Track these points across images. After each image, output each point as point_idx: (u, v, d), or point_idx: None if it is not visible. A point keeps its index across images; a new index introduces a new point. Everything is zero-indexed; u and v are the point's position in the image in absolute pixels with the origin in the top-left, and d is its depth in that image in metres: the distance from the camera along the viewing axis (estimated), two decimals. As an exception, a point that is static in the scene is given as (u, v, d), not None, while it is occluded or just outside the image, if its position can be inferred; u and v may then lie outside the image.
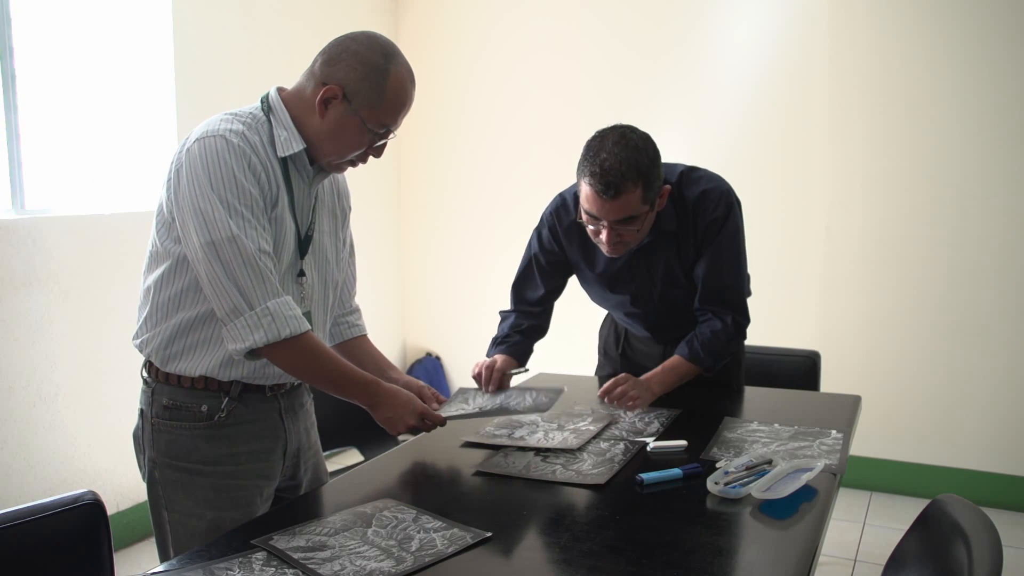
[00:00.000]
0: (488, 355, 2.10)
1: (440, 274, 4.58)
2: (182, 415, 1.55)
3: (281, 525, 1.37)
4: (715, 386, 2.16)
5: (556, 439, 1.78)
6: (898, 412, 3.57)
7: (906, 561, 1.40)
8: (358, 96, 1.50)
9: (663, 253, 2.03)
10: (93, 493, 1.47)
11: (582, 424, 1.89)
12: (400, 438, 1.73)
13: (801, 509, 1.43)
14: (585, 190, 1.84)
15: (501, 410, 1.89)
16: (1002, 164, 3.35)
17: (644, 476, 1.55)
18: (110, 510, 2.41)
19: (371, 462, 1.79)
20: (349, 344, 1.85)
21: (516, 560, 1.30)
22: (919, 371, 3.55)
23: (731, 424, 1.89)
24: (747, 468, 1.55)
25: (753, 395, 2.22)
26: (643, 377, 1.97)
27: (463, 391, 2.00)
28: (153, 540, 1.61)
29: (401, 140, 2.80)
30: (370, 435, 2.14)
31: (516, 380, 2.06)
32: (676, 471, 1.57)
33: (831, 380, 2.99)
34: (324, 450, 1.83)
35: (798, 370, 2.56)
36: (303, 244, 1.59)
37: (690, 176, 2.01)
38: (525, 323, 2.16)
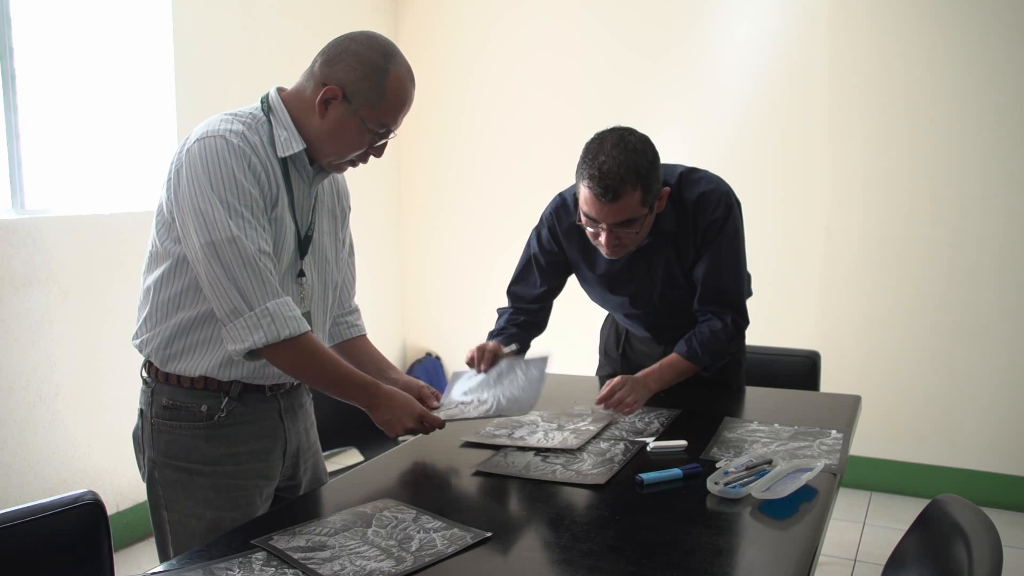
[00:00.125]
0: None
1: (440, 274, 4.58)
2: (182, 415, 1.55)
3: (281, 525, 1.37)
4: (715, 386, 2.16)
5: (556, 439, 1.78)
6: (898, 412, 3.57)
7: (906, 561, 1.40)
8: (358, 96, 1.50)
9: (663, 254, 2.03)
10: (93, 493, 1.47)
11: (582, 424, 1.89)
12: (399, 439, 1.73)
13: (801, 509, 1.43)
14: (584, 193, 1.84)
15: (498, 410, 1.87)
16: (1002, 164, 3.35)
17: (644, 476, 1.55)
18: (110, 510, 2.41)
19: (371, 462, 1.80)
20: (348, 344, 1.85)
21: (516, 560, 1.30)
22: (919, 371, 3.55)
23: (731, 424, 1.89)
24: (747, 468, 1.55)
25: (753, 395, 2.22)
26: (640, 374, 1.97)
27: (457, 375, 1.99)
28: (153, 540, 1.61)
29: (401, 140, 2.80)
30: (370, 435, 2.14)
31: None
32: (676, 471, 1.57)
33: (831, 380, 2.99)
34: (324, 450, 1.83)
35: (798, 370, 2.56)
36: (303, 244, 1.59)
37: (690, 177, 2.01)
38: (522, 318, 2.15)
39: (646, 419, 1.93)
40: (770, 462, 1.58)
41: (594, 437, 1.80)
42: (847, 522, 3.35)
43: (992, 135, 3.35)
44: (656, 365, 2.01)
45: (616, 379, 1.90)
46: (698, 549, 1.28)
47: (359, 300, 1.92)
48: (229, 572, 1.20)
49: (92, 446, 3.04)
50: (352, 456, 2.79)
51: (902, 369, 3.57)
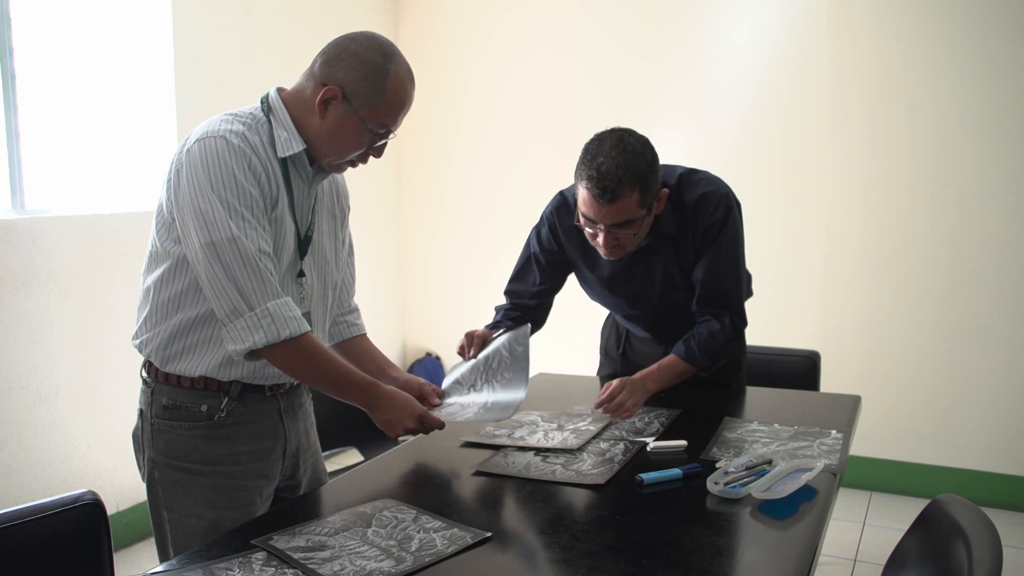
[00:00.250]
0: None
1: (440, 274, 4.58)
2: (182, 415, 1.55)
3: (281, 525, 1.37)
4: (715, 386, 2.16)
5: (556, 439, 1.78)
6: (898, 412, 3.57)
7: (906, 561, 1.40)
8: (358, 96, 1.50)
9: (662, 255, 2.03)
10: (93, 493, 1.47)
11: (582, 424, 1.89)
12: (399, 439, 1.73)
13: (801, 509, 1.43)
14: (582, 194, 1.84)
15: (496, 409, 1.86)
16: (1002, 164, 3.35)
17: (644, 476, 1.55)
18: (110, 510, 2.42)
19: (371, 462, 1.80)
20: (348, 343, 1.85)
21: (516, 560, 1.30)
22: (919, 371, 3.55)
23: (731, 424, 1.89)
24: (747, 468, 1.55)
25: (753, 395, 2.22)
26: (638, 375, 1.96)
27: (454, 368, 1.99)
28: (153, 540, 1.61)
29: (401, 140, 2.81)
30: (370, 435, 2.14)
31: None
32: (676, 471, 1.57)
33: (831, 380, 2.99)
34: (324, 450, 1.83)
35: (798, 370, 2.56)
36: (303, 244, 1.59)
37: (689, 178, 2.01)
38: (517, 314, 2.15)
39: (646, 419, 1.93)
40: (770, 462, 1.58)
41: (594, 437, 1.80)
42: (847, 522, 3.35)
43: (992, 135, 3.35)
44: (654, 366, 2.01)
45: (615, 383, 1.89)
46: (698, 549, 1.28)
47: (359, 300, 1.92)
48: (229, 572, 1.20)
49: (92, 446, 3.04)
50: (352, 456, 2.79)
51: (902, 369, 3.57)
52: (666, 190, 1.92)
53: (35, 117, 2.96)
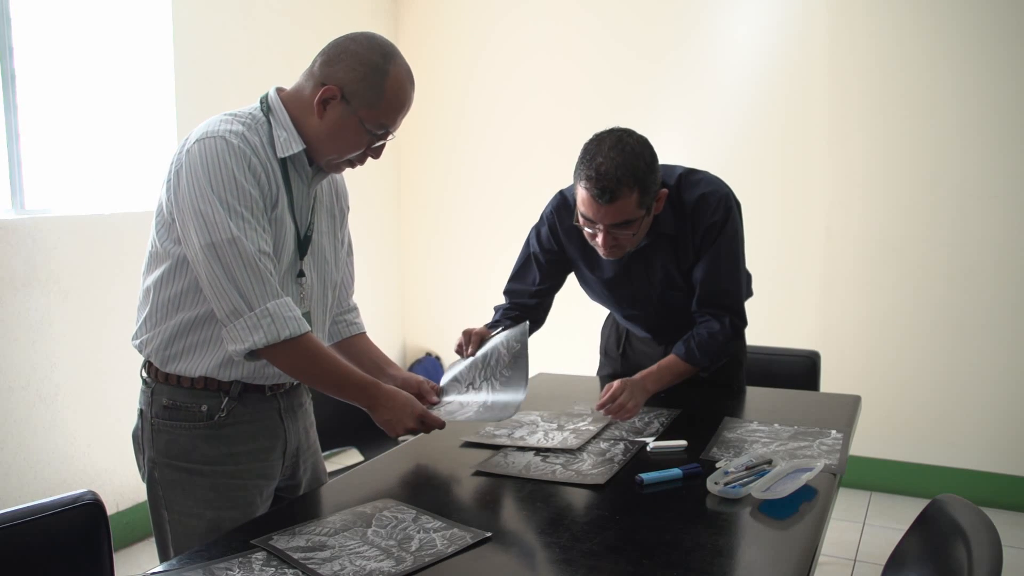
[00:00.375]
0: None
1: (440, 274, 4.58)
2: (182, 415, 1.55)
3: (281, 525, 1.37)
4: (715, 386, 2.16)
5: (556, 439, 1.78)
6: (898, 412, 3.57)
7: (906, 561, 1.40)
8: (357, 96, 1.50)
9: (661, 255, 2.03)
10: (93, 493, 1.47)
11: (582, 424, 1.89)
12: (400, 439, 1.73)
13: (801, 509, 1.43)
14: (581, 194, 1.84)
15: (496, 409, 1.86)
16: (1002, 164, 3.35)
17: (644, 476, 1.55)
18: (110, 510, 2.42)
19: (371, 462, 1.80)
20: (348, 342, 1.85)
21: (516, 560, 1.30)
22: (919, 371, 3.55)
23: (731, 424, 1.89)
24: (747, 468, 1.55)
25: (753, 395, 2.22)
26: (638, 376, 1.95)
27: (452, 366, 1.99)
28: (153, 540, 1.61)
29: (401, 140, 2.81)
30: (370, 435, 2.14)
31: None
32: (676, 471, 1.57)
33: (831, 380, 2.99)
34: (324, 450, 1.83)
35: (798, 370, 2.56)
36: (302, 245, 1.59)
37: (689, 179, 2.01)
38: (516, 313, 2.14)
39: (646, 419, 1.93)
40: (770, 462, 1.58)
41: (594, 437, 1.80)
42: (847, 522, 3.35)
43: (992, 135, 3.35)
44: (654, 367, 2.00)
45: (615, 384, 1.88)
46: (698, 549, 1.28)
47: (359, 300, 1.92)
48: (229, 572, 1.21)
49: (92, 446, 3.04)
50: (352, 456, 2.79)
51: (902, 369, 3.57)
52: (665, 190, 1.92)
53: (35, 117, 2.96)
